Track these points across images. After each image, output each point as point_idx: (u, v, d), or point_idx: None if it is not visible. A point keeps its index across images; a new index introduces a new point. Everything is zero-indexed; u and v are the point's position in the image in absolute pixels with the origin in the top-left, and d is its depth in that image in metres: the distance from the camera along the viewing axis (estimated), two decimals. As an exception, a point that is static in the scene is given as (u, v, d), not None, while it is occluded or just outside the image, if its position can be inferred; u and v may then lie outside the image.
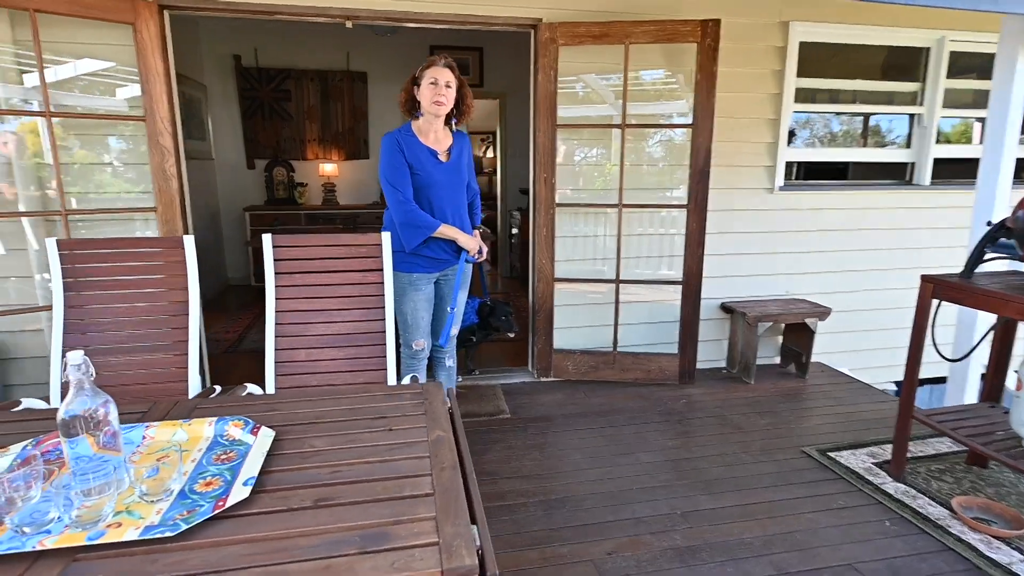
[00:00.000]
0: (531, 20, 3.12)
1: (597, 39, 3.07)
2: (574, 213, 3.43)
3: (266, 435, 1.29)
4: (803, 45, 3.53)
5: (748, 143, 3.52)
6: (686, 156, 3.25)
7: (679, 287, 3.35)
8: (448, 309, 2.55)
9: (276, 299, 2.06)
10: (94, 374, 1.08)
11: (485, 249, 2.51)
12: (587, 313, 3.51)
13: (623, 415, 3.10)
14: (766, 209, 3.64)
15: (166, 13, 2.79)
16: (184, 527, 0.97)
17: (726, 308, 3.66)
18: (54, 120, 2.62)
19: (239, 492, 1.07)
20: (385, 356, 2.09)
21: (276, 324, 2.05)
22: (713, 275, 3.60)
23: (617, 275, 3.36)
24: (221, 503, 1.04)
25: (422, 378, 2.60)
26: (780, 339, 3.86)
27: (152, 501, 1.06)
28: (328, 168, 6.07)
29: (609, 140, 3.37)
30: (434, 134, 2.36)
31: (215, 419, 1.34)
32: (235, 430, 1.32)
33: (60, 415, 1.04)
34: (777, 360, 3.90)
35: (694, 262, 3.29)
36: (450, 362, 2.68)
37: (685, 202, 3.25)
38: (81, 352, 1.07)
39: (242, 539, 0.96)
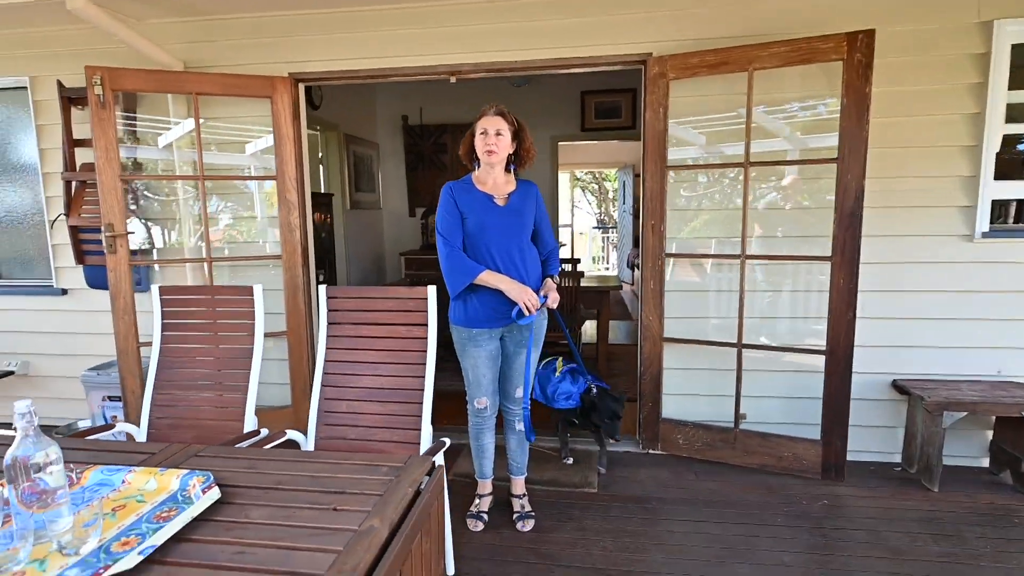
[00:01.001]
0: (639, 56, 2.87)
1: (713, 68, 2.70)
2: (688, 265, 3.01)
3: (210, 497, 1.25)
4: (1016, 49, 2.69)
5: (930, 178, 2.76)
6: (829, 197, 2.65)
7: (822, 356, 2.70)
8: (515, 367, 2.37)
9: (326, 348, 2.09)
10: (37, 423, 1.13)
11: (551, 300, 2.27)
12: (703, 380, 3.01)
13: (737, 509, 2.54)
14: (960, 262, 2.79)
15: (300, 86, 3.15)
16: (55, 594, 0.95)
17: (900, 388, 2.85)
18: (206, 182, 3.10)
19: (128, 561, 1.02)
20: (420, 415, 1.98)
21: (324, 374, 2.08)
22: (878, 343, 2.85)
23: (739, 338, 2.83)
24: (103, 570, 1.00)
25: (488, 440, 2.46)
26: (989, 435, 2.88)
27: (66, 554, 1.07)
28: (477, 215, 6.32)
29: (730, 182, 2.91)
30: (492, 181, 2.29)
31: (185, 472, 1.35)
32: (196, 486, 1.31)
33: (4, 460, 1.10)
34: (985, 463, 2.91)
35: (842, 326, 2.63)
36: (520, 425, 2.46)
37: (829, 253, 2.63)
38: (28, 401, 1.13)
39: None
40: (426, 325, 2.03)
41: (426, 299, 2.03)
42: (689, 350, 2.99)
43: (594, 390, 2.67)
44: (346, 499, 1.27)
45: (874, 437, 2.95)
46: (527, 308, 2.16)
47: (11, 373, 3.36)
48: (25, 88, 3.27)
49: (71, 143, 3.17)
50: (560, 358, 2.89)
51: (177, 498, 1.27)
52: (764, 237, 2.87)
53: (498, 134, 2.20)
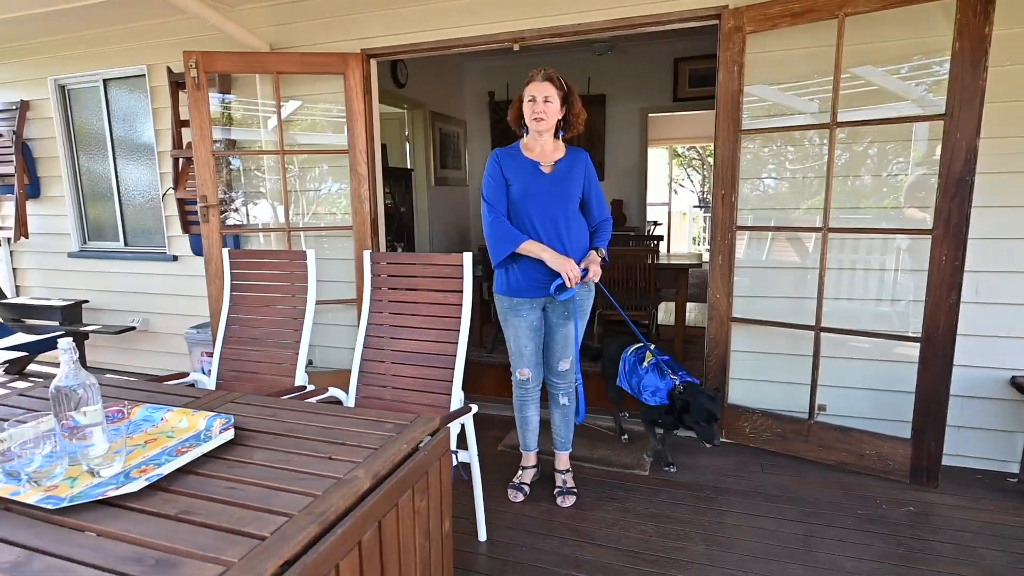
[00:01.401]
0: (714, 9, 2.63)
1: (797, 17, 2.41)
2: (762, 238, 2.75)
3: (224, 437, 1.35)
4: None
5: (1073, 137, 2.29)
6: (930, 163, 2.28)
7: (916, 345, 2.36)
8: (558, 339, 2.31)
9: (369, 312, 2.17)
10: (76, 357, 1.27)
11: (592, 274, 2.16)
12: (775, 364, 2.76)
13: (801, 507, 2.32)
14: (1111, 239, 2.31)
15: (372, 62, 3.25)
16: (67, 503, 1.07)
17: (1020, 387, 2.43)
18: (294, 157, 3.31)
19: (135, 485, 1.13)
20: (452, 380, 2.00)
21: (365, 335, 2.16)
22: (991, 332, 2.45)
23: (817, 320, 2.55)
24: (113, 489, 1.11)
25: (532, 412, 2.44)
26: None
27: (93, 475, 1.20)
28: (561, 191, 6.23)
29: (813, 147, 2.60)
30: (540, 148, 2.22)
31: (212, 414, 1.46)
32: (217, 427, 1.41)
33: (51, 387, 1.26)
34: None
35: (942, 311, 2.28)
36: (564, 400, 2.40)
37: (929, 226, 2.28)
38: (70, 339, 1.27)
39: (93, 528, 1.01)
40: (461, 292, 2.04)
41: (461, 266, 2.03)
42: (760, 332, 2.75)
43: (681, 388, 2.38)
44: (344, 450, 1.31)
45: (984, 441, 2.54)
46: (569, 280, 2.08)
47: (133, 328, 3.85)
48: (144, 76, 3.67)
49: (178, 123, 3.52)
50: (653, 347, 2.63)
51: (200, 436, 1.38)
52: (849, 208, 2.54)
53: (547, 100, 2.12)
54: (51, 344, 3.71)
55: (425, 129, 5.59)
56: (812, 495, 2.41)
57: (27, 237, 4.07)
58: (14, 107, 4.00)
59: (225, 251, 2.36)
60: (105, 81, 3.82)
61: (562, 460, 2.49)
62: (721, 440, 2.86)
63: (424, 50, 3.15)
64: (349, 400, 2.12)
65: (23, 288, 4.37)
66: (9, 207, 4.06)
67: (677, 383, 2.41)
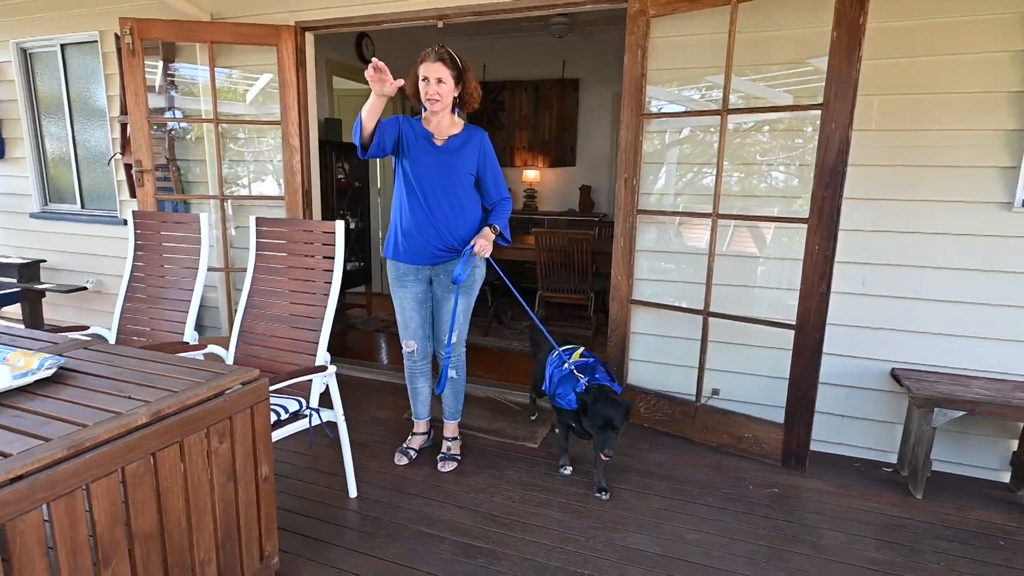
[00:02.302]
0: (622, -6, 2.66)
1: (695, 2, 2.43)
2: (661, 223, 2.79)
3: (40, 375, 1.45)
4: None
5: (958, 132, 2.29)
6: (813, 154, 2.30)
7: (792, 332, 2.41)
8: (444, 313, 2.37)
9: (253, 275, 2.27)
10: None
11: (478, 248, 2.21)
12: (672, 348, 2.81)
13: (671, 484, 2.39)
14: (995, 235, 2.32)
15: (308, 35, 3.32)
16: None
17: (896, 378, 2.47)
18: (221, 125, 3.40)
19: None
20: (318, 342, 2.09)
21: (248, 296, 2.26)
22: (877, 324, 2.48)
23: (706, 304, 2.60)
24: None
25: (422, 384, 2.52)
26: (1014, 446, 2.41)
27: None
28: (531, 175, 6.27)
29: (708, 134, 2.63)
30: (436, 123, 2.26)
31: (47, 356, 1.56)
32: (45, 367, 1.52)
33: None
34: (1004, 478, 2.45)
35: (813, 299, 2.32)
36: (453, 372, 2.46)
37: (807, 215, 2.31)
38: None
39: None
40: (333, 258, 2.12)
41: (334, 233, 2.12)
42: (657, 315, 2.81)
43: (585, 389, 2.17)
44: (147, 392, 1.41)
45: (866, 431, 2.59)
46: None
47: (85, 288, 4.00)
48: (96, 42, 3.77)
49: (124, 90, 3.62)
50: (581, 348, 2.44)
51: (29, 373, 1.50)
52: (742, 196, 2.58)
53: (439, 81, 2.14)
54: (8, 299, 3.88)
55: (394, 107, 5.64)
56: (686, 474, 2.48)
57: (-10, 196, 4.23)
58: (-21, 69, 4.13)
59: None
60: (63, 46, 3.94)
61: (450, 428, 2.58)
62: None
63: (355, 24, 3.21)
64: (228, 358, 2.23)
65: (-10, 246, 4.54)
66: (-27, 166, 4.22)
67: (589, 383, 2.20)
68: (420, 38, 5.87)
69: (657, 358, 2.86)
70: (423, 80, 2.16)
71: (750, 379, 2.66)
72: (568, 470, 2.45)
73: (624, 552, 1.96)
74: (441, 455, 2.52)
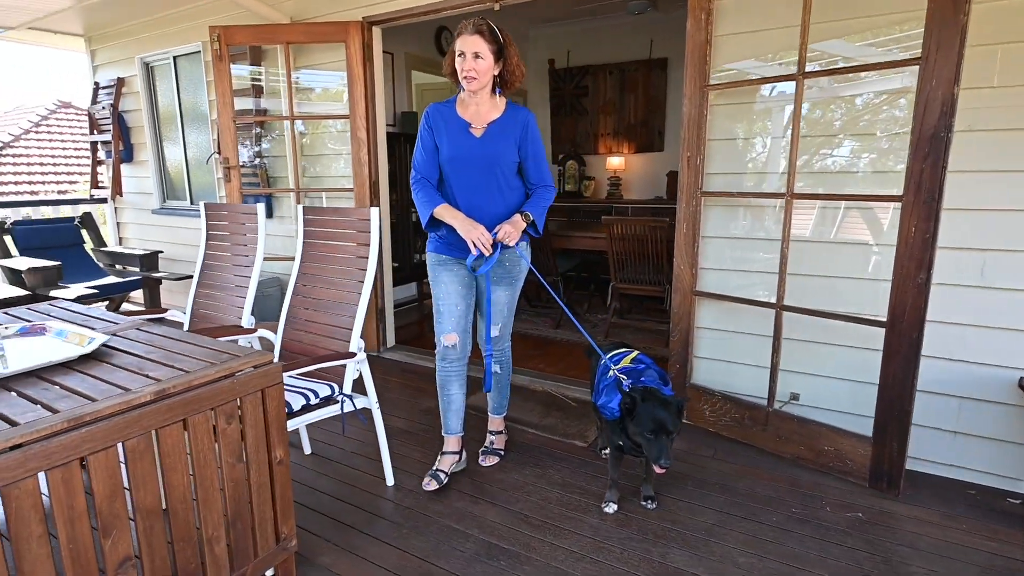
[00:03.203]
0: (686, -48, 2.40)
1: (766, -45, 2.14)
2: (728, 206, 2.50)
3: (79, 351, 1.57)
4: None
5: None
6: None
7: (882, 330, 2.05)
8: (486, 304, 2.18)
9: (300, 262, 2.33)
10: None
11: (502, 235, 2.00)
12: (740, 345, 2.53)
13: (732, 497, 2.15)
14: None
15: (375, 29, 3.38)
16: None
17: (1030, 389, 2.02)
18: (297, 121, 3.56)
19: (-24, 379, 1.38)
20: (352, 328, 2.10)
21: (294, 283, 2.33)
22: (998, 325, 2.05)
23: (779, 297, 2.29)
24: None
25: (456, 390, 2.24)
26: None
27: None
28: (615, 162, 6.00)
29: (782, 103, 2.30)
30: (475, 107, 2.07)
31: (100, 336, 1.69)
32: (92, 345, 1.64)
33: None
34: None
35: (909, 292, 1.95)
36: (497, 367, 2.32)
37: (900, 192, 1.94)
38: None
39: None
40: (368, 246, 2.12)
41: (369, 220, 2.12)
42: (724, 308, 2.53)
43: (629, 390, 1.87)
44: (165, 371, 1.47)
45: (987, 452, 2.15)
46: (474, 246, 1.97)
47: (190, 277, 4.41)
48: (199, 52, 4.13)
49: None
50: (636, 352, 2.15)
51: (77, 350, 1.63)
52: (822, 173, 2.24)
53: (476, 56, 1.94)
54: (132, 286, 4.39)
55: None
56: (751, 487, 2.21)
57: (121, 196, 4.81)
58: (113, 84, 4.70)
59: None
60: (175, 58, 4.36)
61: (495, 422, 2.49)
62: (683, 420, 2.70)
63: (416, 14, 3.21)
64: (277, 342, 2.31)
65: (124, 239, 5.17)
66: (108, 170, 4.81)
67: (633, 386, 1.90)
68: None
69: (724, 356, 2.58)
70: (459, 55, 1.97)
71: (832, 383, 2.32)
72: (612, 508, 2.06)
73: (661, 570, 1.77)
74: (484, 448, 2.45)
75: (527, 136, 2.11)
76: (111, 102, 4.69)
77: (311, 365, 1.86)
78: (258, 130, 3.89)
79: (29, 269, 3.79)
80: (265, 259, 2.80)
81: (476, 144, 2.05)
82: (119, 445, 1.26)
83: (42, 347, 1.65)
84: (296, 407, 1.90)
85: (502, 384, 2.40)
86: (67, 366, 1.52)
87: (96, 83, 4.86)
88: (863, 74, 2.10)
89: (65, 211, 4.96)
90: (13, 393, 1.33)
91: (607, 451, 2.28)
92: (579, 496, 2.17)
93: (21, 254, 4.26)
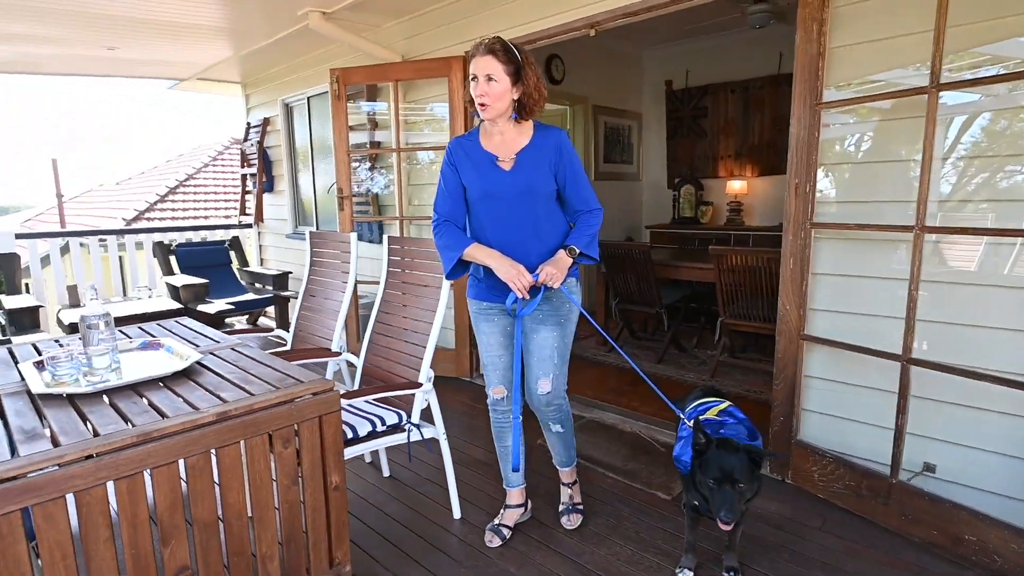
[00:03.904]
0: (797, -40, 2.18)
1: (890, -47, 1.86)
2: (843, 239, 2.17)
3: (173, 368, 1.73)
4: None
5: None
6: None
7: (1046, 399, 1.63)
8: (533, 352, 1.93)
9: (383, 289, 2.42)
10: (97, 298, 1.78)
11: (544, 276, 1.77)
12: (858, 400, 2.17)
13: (833, 579, 1.83)
14: None
15: (477, 60, 3.47)
16: (80, 391, 1.55)
17: None
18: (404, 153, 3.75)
19: (96, 387, 1.57)
20: (423, 357, 2.12)
21: (377, 311, 2.41)
22: None
23: (905, 347, 1.94)
24: (92, 388, 1.57)
25: (511, 442, 2.05)
26: None
27: (84, 380, 1.69)
28: (736, 186, 5.59)
29: (911, 120, 1.95)
30: (499, 136, 1.86)
31: (199, 353, 1.86)
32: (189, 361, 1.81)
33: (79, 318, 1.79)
34: None
35: (1082, 353, 1.54)
36: (557, 427, 2.03)
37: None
38: (93, 286, 1.79)
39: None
40: (440, 275, 2.14)
41: (443, 251, 2.13)
42: (838, 355, 2.20)
43: (703, 440, 1.65)
44: (234, 392, 1.57)
45: None
46: (518, 290, 1.76)
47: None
48: (327, 92, 4.53)
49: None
50: (726, 404, 1.89)
51: (172, 353, 1.82)
52: (963, 201, 1.86)
53: (489, 79, 1.74)
54: (265, 303, 4.88)
55: (586, 124, 5.61)
56: (864, 572, 1.86)
57: (263, 221, 5.40)
58: (260, 123, 5.33)
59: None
60: (308, 98, 4.83)
61: (565, 474, 2.20)
62: (788, 480, 2.37)
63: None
64: (359, 367, 2.40)
65: (264, 260, 5.79)
66: (254, 199, 5.44)
67: (700, 437, 1.66)
68: (613, 48, 5.78)
69: (838, 411, 2.24)
70: (471, 79, 1.79)
71: (980, 456, 1.90)
72: (687, 575, 1.85)
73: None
74: (563, 506, 2.19)
75: (563, 159, 1.86)
76: (258, 139, 5.31)
77: (373, 394, 1.89)
78: (369, 163, 4.16)
79: (183, 286, 4.36)
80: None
81: (506, 178, 1.84)
82: (180, 461, 1.36)
83: (151, 362, 1.85)
84: (362, 433, 1.95)
85: (567, 440, 2.10)
86: (160, 381, 1.68)
87: (248, 123, 5.54)
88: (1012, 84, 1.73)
89: (219, 235, 5.68)
90: (108, 404, 1.50)
91: None
92: (653, 556, 1.97)
93: (182, 272, 4.92)
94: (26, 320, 3.39)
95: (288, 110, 5.15)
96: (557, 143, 1.87)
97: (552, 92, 5.32)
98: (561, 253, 1.84)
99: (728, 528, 1.59)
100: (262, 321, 5.50)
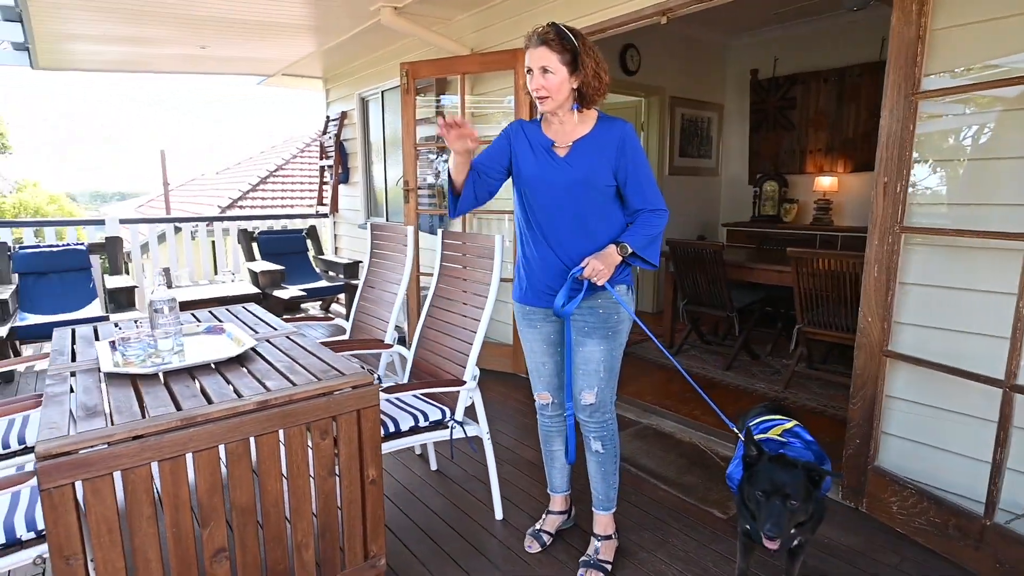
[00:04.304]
0: (896, -70, 1.94)
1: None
2: (937, 246, 1.92)
3: (229, 353, 1.80)
4: None
5: None
6: None
7: None
8: (578, 362, 1.82)
9: (436, 284, 2.42)
10: (166, 283, 1.89)
11: (588, 271, 1.66)
12: (948, 427, 1.92)
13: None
14: None
15: (544, 52, 3.40)
16: (147, 371, 1.65)
17: None
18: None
19: (162, 368, 1.66)
20: (469, 353, 2.10)
21: (430, 305, 2.41)
22: None
23: (1009, 372, 1.68)
24: (155, 368, 1.67)
25: (559, 446, 2.01)
26: None
27: (151, 361, 1.80)
28: (825, 182, 5.17)
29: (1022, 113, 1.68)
30: (559, 124, 1.77)
31: (256, 339, 1.94)
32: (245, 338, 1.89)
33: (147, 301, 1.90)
34: None
35: None
36: (597, 445, 1.87)
37: None
38: (164, 273, 1.90)
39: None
40: (491, 271, 2.10)
41: (492, 247, 2.10)
42: (926, 376, 1.95)
43: (755, 452, 1.54)
44: (278, 381, 1.61)
45: None
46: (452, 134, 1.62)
47: (381, 285, 4.93)
48: (398, 86, 4.61)
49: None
50: (792, 424, 1.76)
51: (232, 339, 1.90)
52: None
53: (545, 71, 1.65)
54: (335, 290, 5.07)
55: (661, 116, 5.39)
56: (944, 621, 1.65)
57: (338, 212, 5.61)
58: (338, 117, 5.52)
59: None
60: (383, 92, 4.94)
61: (600, 522, 1.95)
62: (861, 508, 2.16)
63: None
64: (409, 358, 2.42)
65: (339, 249, 6.02)
66: (330, 190, 5.65)
67: (752, 448, 1.55)
68: (694, 36, 5.49)
69: (923, 437, 2.00)
70: (527, 72, 1.70)
71: (1097, 505, 1.63)
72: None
73: None
74: (585, 560, 1.91)
75: (625, 154, 1.73)
76: (336, 132, 5.50)
77: (416, 390, 1.89)
78: (436, 156, 4.19)
79: (262, 271, 4.61)
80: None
81: (559, 165, 1.74)
82: (221, 446, 1.41)
83: (212, 346, 1.94)
84: (405, 427, 1.95)
85: (607, 469, 1.90)
86: (215, 366, 1.76)
87: (327, 116, 5.76)
88: None
89: (298, 223, 5.96)
90: (163, 386, 1.58)
91: None
92: (700, 581, 1.85)
93: (263, 258, 5.21)
94: (123, 299, 3.70)
95: (364, 104, 5.30)
96: (620, 136, 1.74)
97: (626, 83, 5.14)
98: (611, 248, 1.71)
99: (773, 545, 1.44)
100: (334, 308, 5.72)
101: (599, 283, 1.68)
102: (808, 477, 1.46)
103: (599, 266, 1.66)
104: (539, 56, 1.66)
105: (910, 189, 1.94)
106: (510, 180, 1.88)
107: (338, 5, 3.67)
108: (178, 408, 1.41)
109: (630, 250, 1.72)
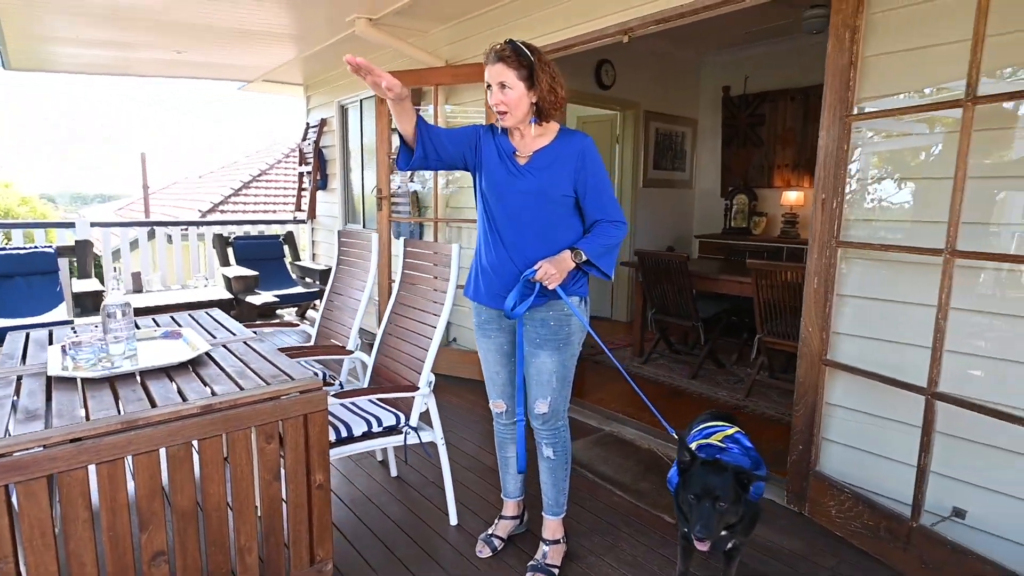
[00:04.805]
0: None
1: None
2: (870, 260, 2.00)
3: (179, 359, 1.82)
4: None
5: None
6: None
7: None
8: (531, 372, 1.85)
9: (397, 291, 2.46)
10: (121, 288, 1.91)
11: (540, 275, 1.68)
12: (882, 434, 2.00)
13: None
14: None
15: (513, 66, 3.47)
16: (97, 375, 1.68)
17: None
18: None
19: (111, 372, 1.68)
20: (424, 360, 2.14)
21: (390, 312, 2.46)
22: None
23: (930, 380, 1.76)
24: (106, 372, 1.69)
25: (513, 453, 2.03)
26: None
27: (102, 364, 1.82)
28: (792, 197, 5.30)
29: (946, 136, 1.77)
30: (519, 137, 1.80)
31: (209, 346, 1.96)
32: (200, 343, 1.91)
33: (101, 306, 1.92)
34: None
35: None
36: (549, 451, 1.91)
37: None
38: (117, 276, 1.92)
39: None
40: (448, 280, 2.15)
41: (450, 255, 2.15)
42: (862, 385, 2.03)
43: (688, 457, 1.59)
44: (226, 386, 1.64)
45: None
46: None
47: (355, 292, 4.96)
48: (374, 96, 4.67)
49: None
50: (734, 430, 1.82)
51: (186, 342, 1.92)
52: (1002, 224, 1.67)
53: (503, 87, 1.69)
54: (310, 296, 5.08)
55: (636, 129, 5.49)
56: (871, 623, 1.72)
57: (315, 218, 5.63)
58: (317, 124, 5.55)
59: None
60: (361, 100, 4.99)
61: (549, 527, 1.98)
62: (804, 512, 2.22)
63: (549, 53, 3.22)
64: (369, 364, 2.45)
65: (316, 255, 6.03)
66: (308, 196, 5.68)
67: (684, 454, 1.60)
68: (669, 53, 5.60)
69: (860, 443, 2.07)
70: (488, 88, 1.74)
71: (1009, 504, 1.70)
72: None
73: None
74: (533, 564, 1.93)
75: (585, 167, 1.76)
76: (315, 139, 5.54)
77: (369, 395, 1.93)
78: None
79: (235, 277, 4.61)
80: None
81: (519, 173, 1.77)
82: (162, 450, 1.43)
83: (167, 350, 1.96)
84: (357, 432, 1.98)
85: (558, 476, 1.94)
86: (166, 370, 1.78)
87: (307, 123, 5.80)
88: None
89: (275, 229, 5.97)
90: (109, 390, 1.60)
91: None
92: (641, 582, 1.90)
93: (238, 263, 5.21)
94: (89, 303, 3.69)
95: (343, 111, 5.34)
96: (580, 149, 1.77)
97: (601, 97, 5.24)
98: (565, 253, 1.73)
99: (703, 547, 1.50)
100: (310, 314, 5.73)
101: (550, 287, 1.70)
102: (737, 480, 1.53)
103: (551, 270, 1.69)
104: (497, 72, 1.70)
105: (846, 206, 2.03)
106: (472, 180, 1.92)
107: (314, 16, 3.72)
108: (119, 412, 1.44)
109: (584, 256, 1.73)
